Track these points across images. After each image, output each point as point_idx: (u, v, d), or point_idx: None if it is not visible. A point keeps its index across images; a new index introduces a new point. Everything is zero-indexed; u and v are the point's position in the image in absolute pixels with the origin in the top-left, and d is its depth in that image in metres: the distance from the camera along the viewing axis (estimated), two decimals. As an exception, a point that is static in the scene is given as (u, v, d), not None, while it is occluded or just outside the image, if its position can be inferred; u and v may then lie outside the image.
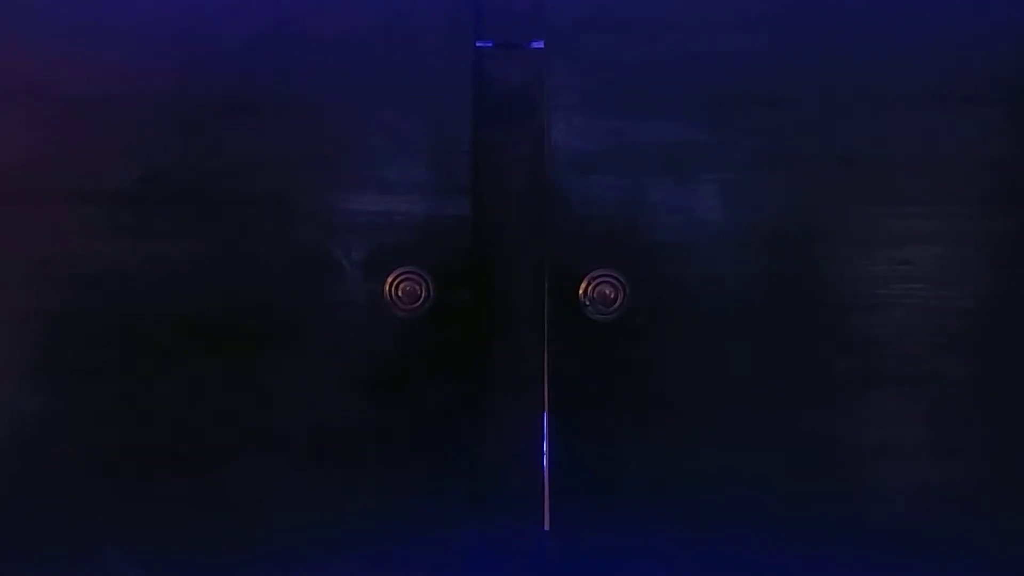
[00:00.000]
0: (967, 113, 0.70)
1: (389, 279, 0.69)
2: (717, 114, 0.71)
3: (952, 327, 0.70)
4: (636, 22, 0.71)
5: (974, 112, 0.70)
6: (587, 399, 0.71)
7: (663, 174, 0.71)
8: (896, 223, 0.70)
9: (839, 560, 0.71)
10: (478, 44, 0.72)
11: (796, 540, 0.71)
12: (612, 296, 0.69)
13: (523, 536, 0.74)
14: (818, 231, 0.71)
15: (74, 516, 0.73)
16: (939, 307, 0.70)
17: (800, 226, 0.71)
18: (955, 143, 0.70)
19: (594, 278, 0.69)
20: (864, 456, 0.71)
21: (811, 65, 0.71)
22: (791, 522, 0.71)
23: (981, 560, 0.71)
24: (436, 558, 0.72)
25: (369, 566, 0.72)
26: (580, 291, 0.69)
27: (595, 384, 0.71)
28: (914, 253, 0.70)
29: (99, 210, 0.72)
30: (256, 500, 0.72)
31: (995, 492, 0.71)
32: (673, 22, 0.71)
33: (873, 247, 0.70)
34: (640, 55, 0.71)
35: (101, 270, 0.72)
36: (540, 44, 0.72)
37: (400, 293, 0.69)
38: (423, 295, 0.69)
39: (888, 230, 0.70)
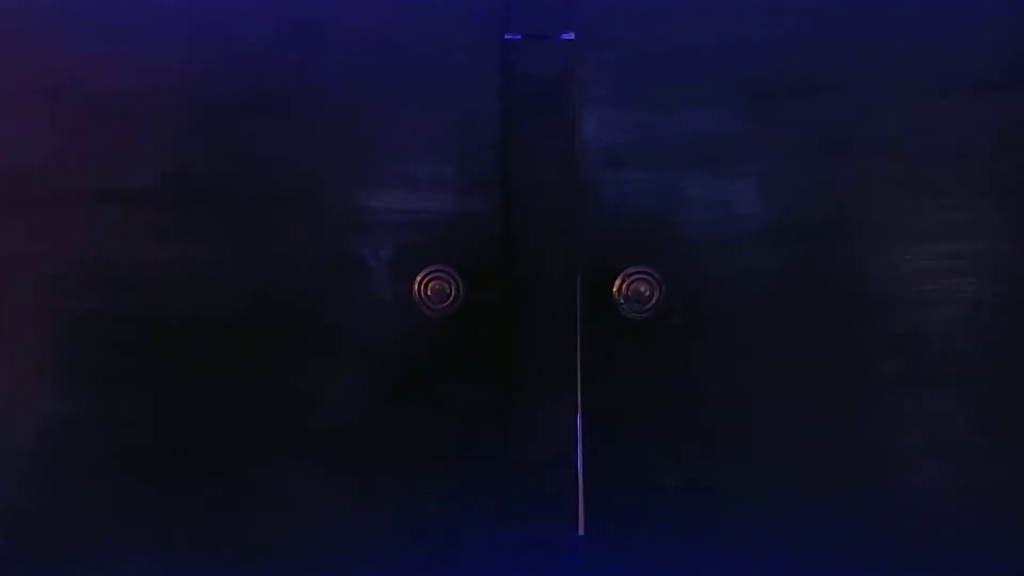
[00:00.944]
0: (1018, 101, 0.68)
1: (418, 278, 0.68)
2: (754, 104, 0.69)
3: (1004, 324, 0.68)
4: (668, 10, 0.69)
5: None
6: (621, 400, 0.69)
7: (698, 167, 0.69)
8: (944, 215, 0.68)
9: (881, 566, 0.70)
10: (506, 36, 0.70)
11: (837, 546, 0.70)
12: (647, 294, 0.67)
13: (556, 541, 0.72)
14: (861, 224, 0.68)
15: (100, 518, 0.72)
16: (990, 303, 0.68)
17: (842, 219, 0.69)
18: (1006, 132, 0.68)
19: (628, 275, 0.67)
20: (913, 460, 0.69)
21: (851, 52, 0.69)
22: (831, 527, 0.69)
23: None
24: (467, 563, 0.70)
25: (398, 571, 0.71)
26: (614, 289, 0.67)
27: (630, 385, 0.69)
28: (963, 246, 0.68)
29: (124, 210, 0.71)
30: (283, 503, 0.71)
31: None
32: (706, 9, 0.69)
33: (920, 240, 0.68)
34: (673, 44, 0.69)
35: (127, 271, 0.71)
36: (570, 35, 0.70)
37: (429, 292, 0.68)
38: (452, 294, 0.67)
39: (936, 222, 0.68)
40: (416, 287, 0.68)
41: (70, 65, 0.71)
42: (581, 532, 0.71)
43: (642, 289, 0.67)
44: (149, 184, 0.71)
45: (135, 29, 0.71)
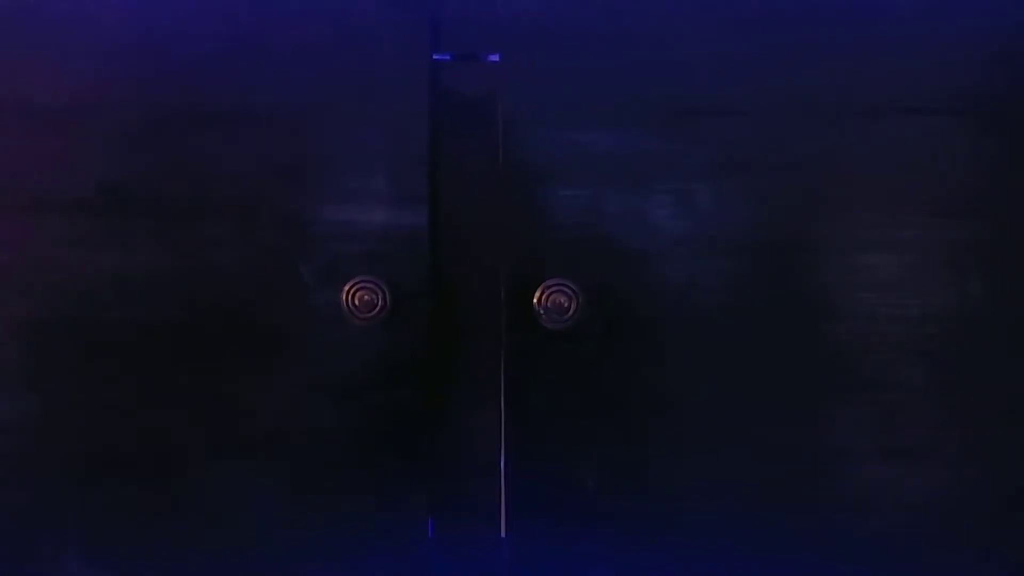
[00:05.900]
0: (923, 124, 0.71)
1: (346, 288, 0.70)
2: (673, 125, 0.72)
3: (911, 335, 0.71)
4: (592, 35, 0.72)
5: (930, 123, 0.71)
6: (544, 408, 0.72)
7: (619, 184, 0.71)
8: (853, 233, 0.71)
9: (802, 568, 0.72)
10: (435, 56, 0.73)
11: (754, 547, 0.72)
12: (566, 305, 0.69)
13: (481, 544, 0.74)
14: (774, 241, 0.71)
15: (39, 522, 0.73)
16: (897, 316, 0.71)
17: (756, 236, 0.71)
18: (911, 153, 0.71)
19: (548, 287, 0.70)
20: (824, 465, 0.72)
21: (767, 76, 0.72)
22: (749, 531, 0.72)
23: (951, 567, 0.72)
24: (395, 566, 0.72)
25: (328, 572, 0.73)
26: (534, 300, 0.70)
27: (551, 393, 0.72)
28: (871, 262, 0.71)
29: (61, 220, 0.72)
30: (216, 508, 0.73)
31: (964, 500, 0.72)
32: (628, 35, 0.72)
33: (829, 256, 0.71)
34: (595, 67, 0.72)
35: (63, 280, 0.72)
36: (496, 57, 0.73)
37: (357, 302, 0.70)
38: (380, 304, 0.70)
39: (844, 240, 0.71)
40: (344, 297, 0.70)
41: (9, 78, 0.73)
42: (504, 534, 0.73)
43: (561, 300, 0.69)
44: (86, 195, 0.72)
45: (72, 43, 0.73)
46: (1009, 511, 0.71)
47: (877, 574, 0.72)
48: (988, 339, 0.71)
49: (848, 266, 0.71)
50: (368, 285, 0.70)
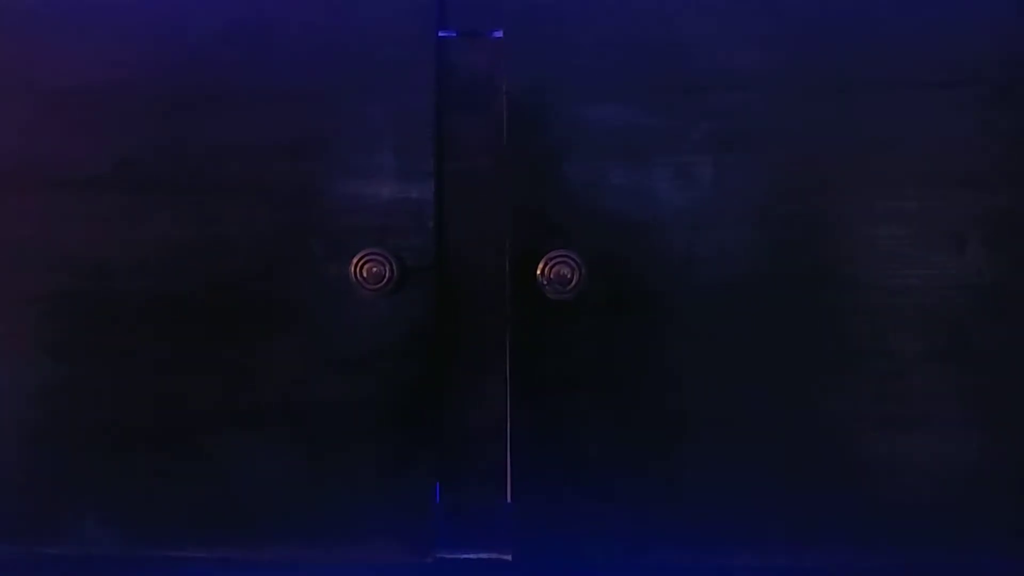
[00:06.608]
0: (926, 97, 0.72)
1: (354, 260, 0.72)
2: (676, 99, 0.73)
3: (916, 306, 0.72)
4: (595, 10, 0.73)
5: (934, 96, 0.72)
6: (548, 377, 0.73)
7: (622, 158, 0.73)
8: (858, 205, 0.72)
9: (796, 534, 0.73)
10: (441, 34, 0.74)
11: (757, 517, 0.73)
12: (569, 276, 0.71)
13: (487, 509, 0.76)
14: (777, 213, 0.72)
15: (55, 488, 0.76)
16: (902, 287, 0.72)
17: (759, 208, 0.72)
18: (912, 127, 0.72)
19: (551, 259, 0.71)
20: (829, 435, 0.73)
21: (772, 49, 0.73)
22: (753, 500, 0.73)
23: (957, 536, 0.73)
24: (403, 530, 0.75)
25: (339, 539, 0.75)
26: (538, 272, 0.71)
27: (555, 362, 0.73)
28: (877, 234, 0.72)
29: (78, 197, 0.75)
30: (229, 475, 0.75)
31: (971, 471, 0.72)
32: (631, 9, 0.73)
33: (834, 228, 0.72)
34: (599, 42, 0.73)
35: (80, 255, 0.75)
36: (500, 33, 0.74)
37: (365, 274, 0.72)
38: (387, 275, 0.72)
39: (849, 212, 0.72)
40: (353, 269, 0.72)
41: (23, 58, 0.75)
42: (509, 500, 0.75)
43: (564, 272, 0.71)
44: (102, 172, 0.75)
45: (87, 23, 0.75)
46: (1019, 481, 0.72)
47: (882, 546, 0.73)
48: (993, 310, 0.72)
49: (853, 238, 0.72)
50: (376, 257, 0.72)
